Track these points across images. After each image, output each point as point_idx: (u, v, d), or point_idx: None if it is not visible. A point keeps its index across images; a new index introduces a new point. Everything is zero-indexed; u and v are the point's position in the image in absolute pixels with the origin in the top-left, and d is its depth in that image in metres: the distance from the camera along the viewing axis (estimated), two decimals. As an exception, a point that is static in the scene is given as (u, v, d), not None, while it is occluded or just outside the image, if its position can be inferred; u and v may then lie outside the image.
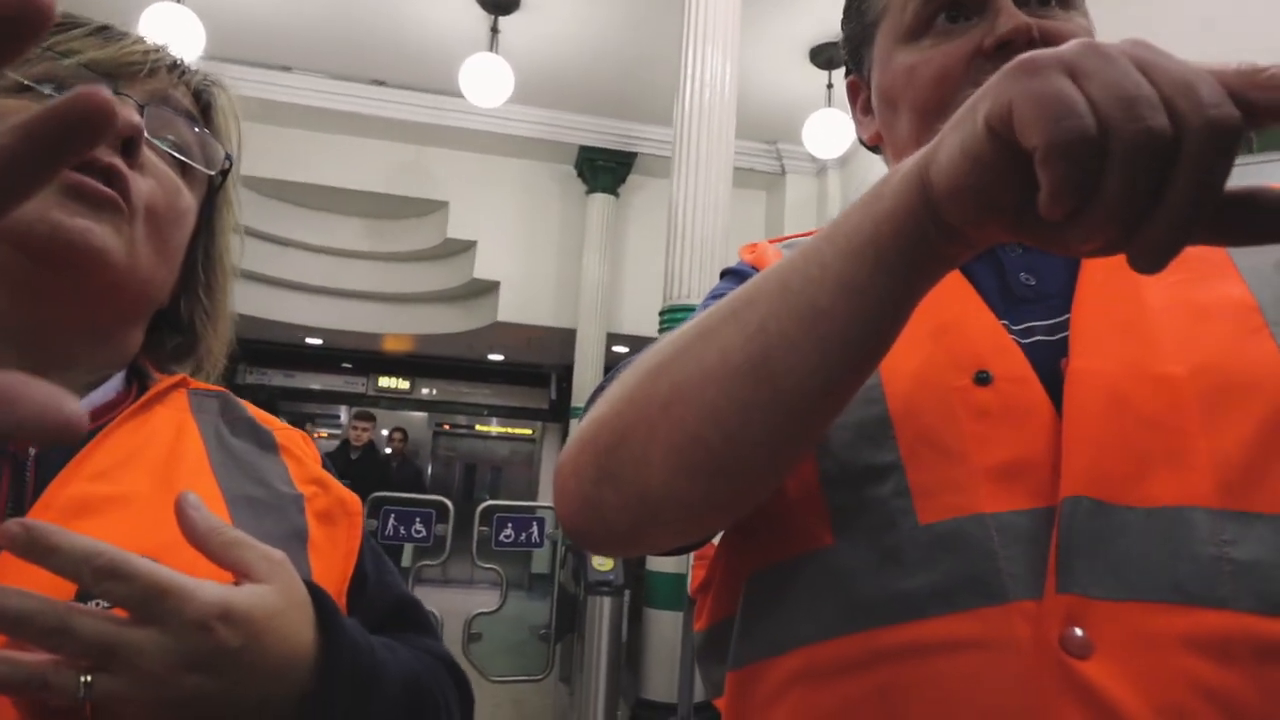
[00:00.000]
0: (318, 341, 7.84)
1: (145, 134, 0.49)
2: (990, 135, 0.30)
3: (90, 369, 0.50)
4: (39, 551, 0.34)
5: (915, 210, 0.34)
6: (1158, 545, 0.40)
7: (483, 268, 5.51)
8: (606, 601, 3.17)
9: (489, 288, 5.72)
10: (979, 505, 0.44)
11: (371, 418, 5.87)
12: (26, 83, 0.46)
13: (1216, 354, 0.45)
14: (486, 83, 4.19)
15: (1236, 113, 0.27)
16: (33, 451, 0.44)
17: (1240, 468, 0.42)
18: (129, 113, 0.47)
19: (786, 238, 0.67)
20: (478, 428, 9.55)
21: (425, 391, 9.10)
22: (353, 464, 5.38)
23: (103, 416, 0.49)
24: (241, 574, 0.39)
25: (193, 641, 0.35)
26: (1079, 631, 0.39)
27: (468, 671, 0.58)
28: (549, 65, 4.64)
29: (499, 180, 5.52)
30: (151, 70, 0.51)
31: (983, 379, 0.47)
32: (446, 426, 9.48)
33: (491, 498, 6.88)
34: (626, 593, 3.31)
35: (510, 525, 3.76)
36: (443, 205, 5.51)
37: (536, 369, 8.71)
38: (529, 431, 9.47)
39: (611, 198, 5.51)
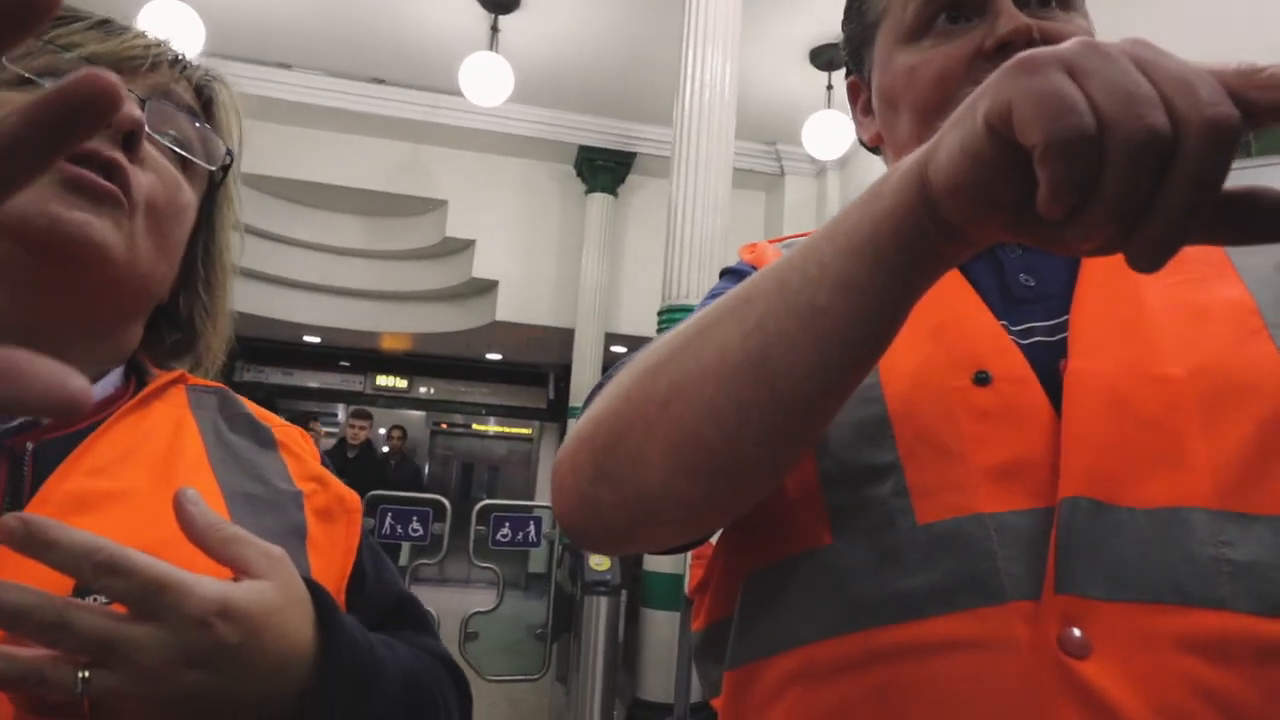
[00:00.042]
0: (316, 339, 7.83)
1: (146, 128, 0.49)
2: (990, 133, 0.30)
3: (89, 364, 0.50)
4: (37, 546, 0.33)
5: (914, 208, 0.34)
6: (1156, 546, 0.41)
7: (481, 267, 5.50)
8: (603, 601, 3.17)
9: (487, 287, 5.72)
10: (978, 505, 0.44)
11: (369, 416, 5.87)
12: (28, 76, 0.46)
13: (1216, 355, 0.45)
14: (486, 82, 4.19)
15: (1235, 112, 0.27)
16: (30, 446, 0.44)
17: (1239, 469, 0.42)
18: (130, 107, 0.47)
19: (786, 238, 0.67)
20: (475, 427, 9.55)
21: (423, 390, 9.10)
22: (350, 462, 5.38)
23: (101, 412, 0.48)
24: (240, 570, 0.39)
25: (191, 637, 0.35)
26: (1077, 632, 0.39)
27: (464, 670, 0.58)
28: (549, 65, 4.64)
29: (498, 179, 5.52)
30: (153, 65, 0.51)
31: (982, 379, 0.47)
32: (444, 425, 9.47)
33: (489, 497, 6.88)
34: (623, 592, 3.31)
35: (507, 524, 3.75)
36: (442, 204, 5.51)
37: (534, 369, 8.71)
38: (527, 431, 9.47)
39: (611, 197, 5.51)
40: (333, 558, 0.53)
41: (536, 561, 7.20)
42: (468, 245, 5.56)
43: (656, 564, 3.57)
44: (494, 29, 4.24)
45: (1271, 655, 0.38)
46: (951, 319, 0.50)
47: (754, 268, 0.60)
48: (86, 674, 0.34)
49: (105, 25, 0.51)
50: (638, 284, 5.44)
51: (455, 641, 3.47)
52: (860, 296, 0.36)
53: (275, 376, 8.47)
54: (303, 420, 6.04)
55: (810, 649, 0.46)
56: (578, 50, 4.51)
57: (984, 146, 0.30)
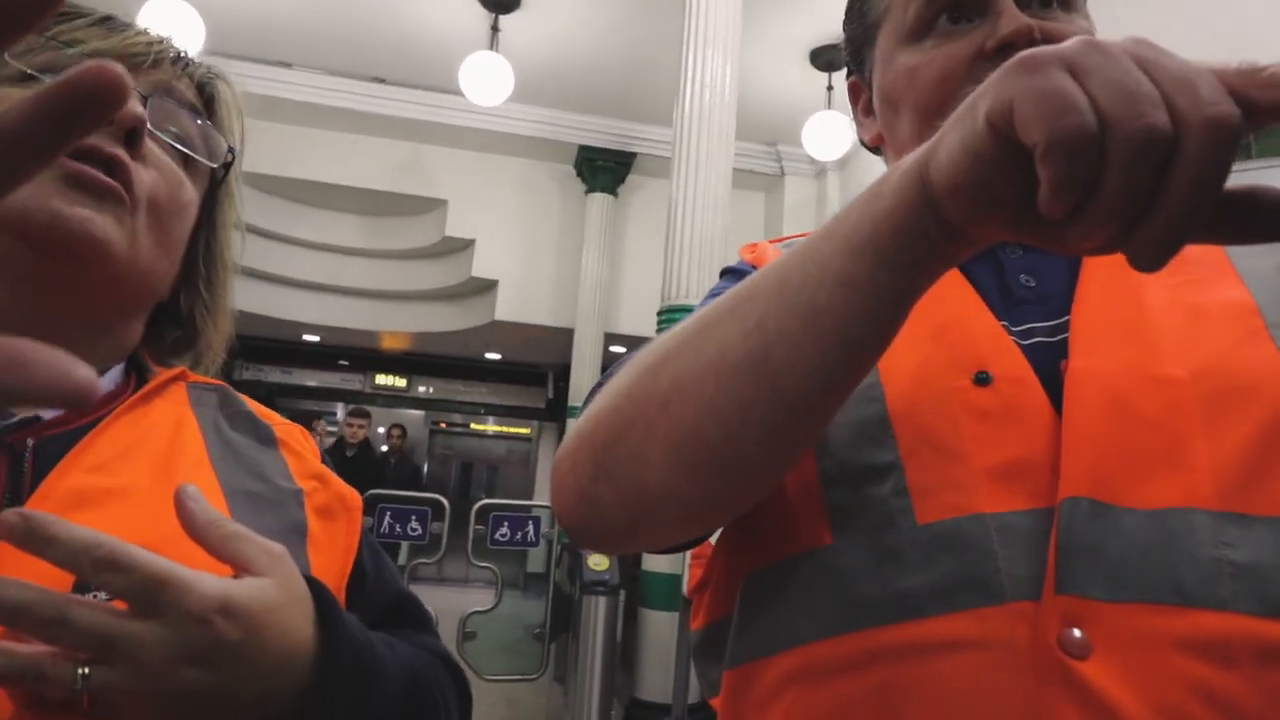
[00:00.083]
0: (315, 338, 7.83)
1: (148, 125, 0.49)
2: (991, 132, 0.30)
3: (89, 361, 0.50)
4: (37, 542, 0.33)
5: (915, 207, 0.34)
6: (1157, 547, 0.41)
7: (481, 266, 5.50)
8: (602, 601, 3.17)
9: (487, 286, 5.72)
10: (978, 505, 0.44)
11: (367, 415, 5.87)
12: (30, 72, 0.46)
13: (1217, 356, 0.45)
14: (486, 81, 4.18)
15: (1236, 111, 0.27)
16: (31, 442, 0.44)
17: (1240, 470, 0.42)
18: (133, 104, 0.47)
19: (786, 238, 0.67)
20: (474, 426, 9.55)
21: (422, 389, 9.09)
22: (348, 461, 5.37)
23: (101, 409, 0.48)
24: (241, 567, 0.39)
25: (192, 634, 0.35)
26: (1077, 632, 0.39)
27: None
28: (549, 64, 4.64)
29: (498, 179, 5.51)
30: (155, 61, 0.51)
31: (982, 379, 0.47)
32: (443, 425, 9.47)
33: (488, 496, 6.87)
34: (622, 592, 3.31)
35: (506, 524, 3.75)
36: (441, 203, 5.50)
37: (534, 368, 8.71)
38: (526, 431, 9.47)
39: (610, 197, 5.51)
40: (333, 556, 0.53)
41: (535, 561, 7.20)
42: (467, 245, 5.56)
43: (655, 564, 3.57)
44: (494, 29, 4.24)
45: (1272, 656, 0.38)
46: (952, 319, 0.51)
47: (754, 267, 0.60)
48: (86, 670, 0.34)
49: (108, 22, 0.51)
50: (637, 284, 5.44)
51: (453, 641, 3.46)
52: (861, 295, 0.36)
53: (274, 375, 8.47)
54: (307, 419, 6.04)
55: (810, 648, 0.46)
56: (578, 50, 4.51)
57: (985, 145, 0.30)
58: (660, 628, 3.55)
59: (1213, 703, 0.37)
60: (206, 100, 0.56)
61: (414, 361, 8.73)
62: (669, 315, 3.22)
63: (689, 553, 0.61)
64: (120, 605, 0.35)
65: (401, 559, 4.57)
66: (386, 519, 3.59)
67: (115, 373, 0.52)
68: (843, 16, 0.67)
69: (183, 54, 0.54)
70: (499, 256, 5.49)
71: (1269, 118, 0.28)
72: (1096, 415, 0.44)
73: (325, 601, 0.42)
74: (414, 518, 3.60)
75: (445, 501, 3.77)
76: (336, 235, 5.91)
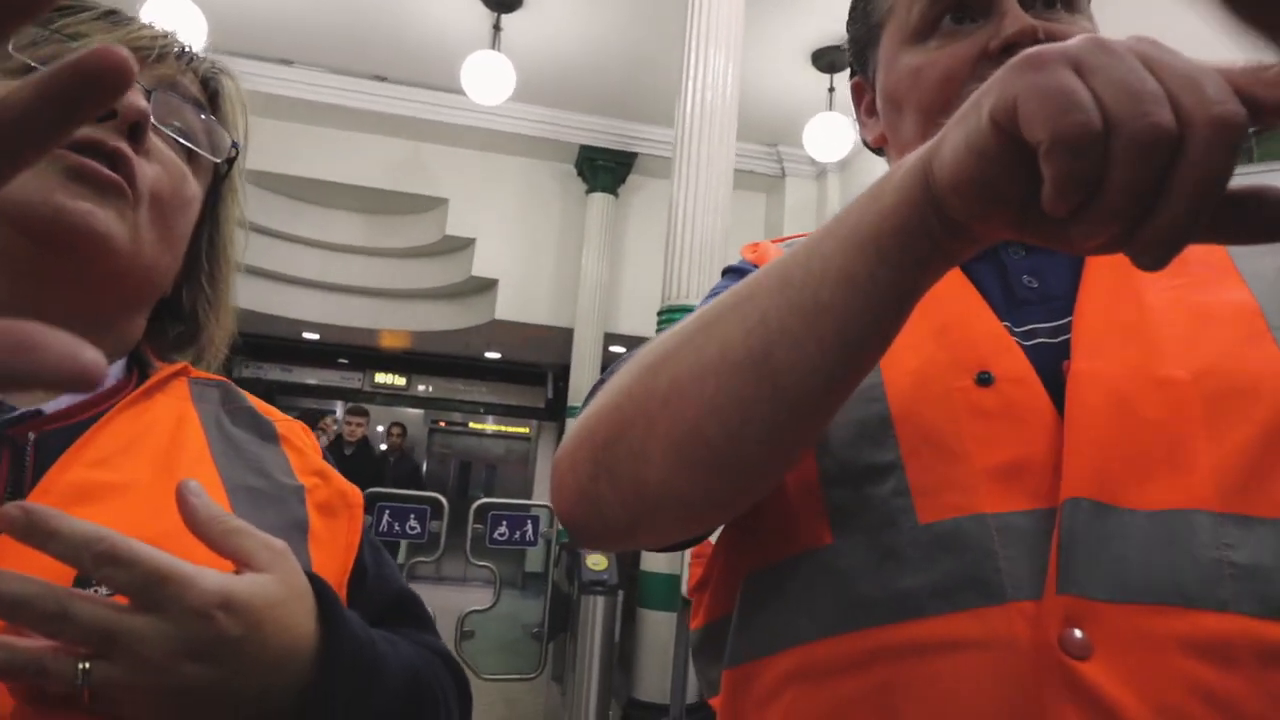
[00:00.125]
0: (315, 336, 7.83)
1: (152, 119, 0.48)
2: (995, 129, 0.30)
3: None
4: (39, 535, 0.33)
5: (918, 205, 0.34)
6: (1159, 548, 0.41)
7: (481, 265, 5.50)
8: (600, 601, 3.17)
9: (487, 285, 5.72)
10: (979, 505, 0.44)
11: (365, 413, 5.86)
12: (33, 65, 0.46)
13: (1219, 358, 0.45)
14: (488, 80, 4.18)
15: (1242, 110, 0.27)
16: (32, 436, 0.44)
17: (1242, 471, 0.42)
18: (136, 98, 0.47)
19: (787, 238, 0.67)
20: (473, 425, 9.54)
21: (421, 388, 9.09)
22: (347, 460, 5.37)
23: (103, 403, 0.48)
24: (242, 563, 0.39)
25: (193, 629, 0.35)
26: (1078, 633, 0.39)
27: (459, 669, 0.58)
28: (551, 64, 4.64)
29: (499, 178, 5.52)
30: (160, 56, 0.51)
31: (984, 380, 0.47)
32: (442, 424, 9.47)
33: (486, 496, 6.88)
34: (620, 592, 3.31)
35: (505, 523, 3.75)
36: (442, 202, 5.50)
37: (533, 368, 8.71)
38: (525, 430, 9.47)
39: (611, 197, 5.51)
40: (334, 552, 0.53)
41: (533, 561, 7.21)
42: (468, 244, 5.56)
43: (653, 564, 3.57)
44: (496, 28, 4.24)
45: (1273, 658, 0.38)
46: (954, 319, 0.51)
47: (756, 267, 0.60)
48: (87, 665, 0.34)
49: (112, 16, 0.51)
50: (637, 284, 5.44)
51: (451, 640, 3.46)
52: (862, 293, 0.36)
53: (274, 373, 8.47)
54: (314, 418, 6.03)
55: (809, 648, 0.46)
56: (580, 50, 4.51)
57: (989, 143, 0.30)
58: (659, 628, 3.55)
59: (1213, 703, 0.37)
60: (210, 95, 0.56)
61: (413, 360, 8.73)
62: (669, 315, 3.22)
63: (688, 552, 0.61)
64: (121, 600, 0.35)
65: (400, 558, 4.57)
66: (385, 517, 3.59)
67: (117, 368, 0.52)
68: (845, 17, 0.67)
69: (187, 49, 0.54)
70: (499, 256, 5.49)
71: (1274, 117, 0.28)
72: (1098, 416, 0.44)
73: (327, 598, 0.42)
74: (413, 516, 3.60)
75: (444, 500, 3.76)
76: (337, 233, 5.91)
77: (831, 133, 4.41)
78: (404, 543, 3.95)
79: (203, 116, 0.54)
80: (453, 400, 9.15)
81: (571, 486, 0.47)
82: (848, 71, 0.69)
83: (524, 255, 5.53)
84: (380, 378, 8.94)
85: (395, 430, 7.19)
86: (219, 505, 0.40)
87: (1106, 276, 0.51)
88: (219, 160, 0.56)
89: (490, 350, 8.03)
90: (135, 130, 0.47)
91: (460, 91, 4.35)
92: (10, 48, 0.45)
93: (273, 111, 4.95)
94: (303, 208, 5.79)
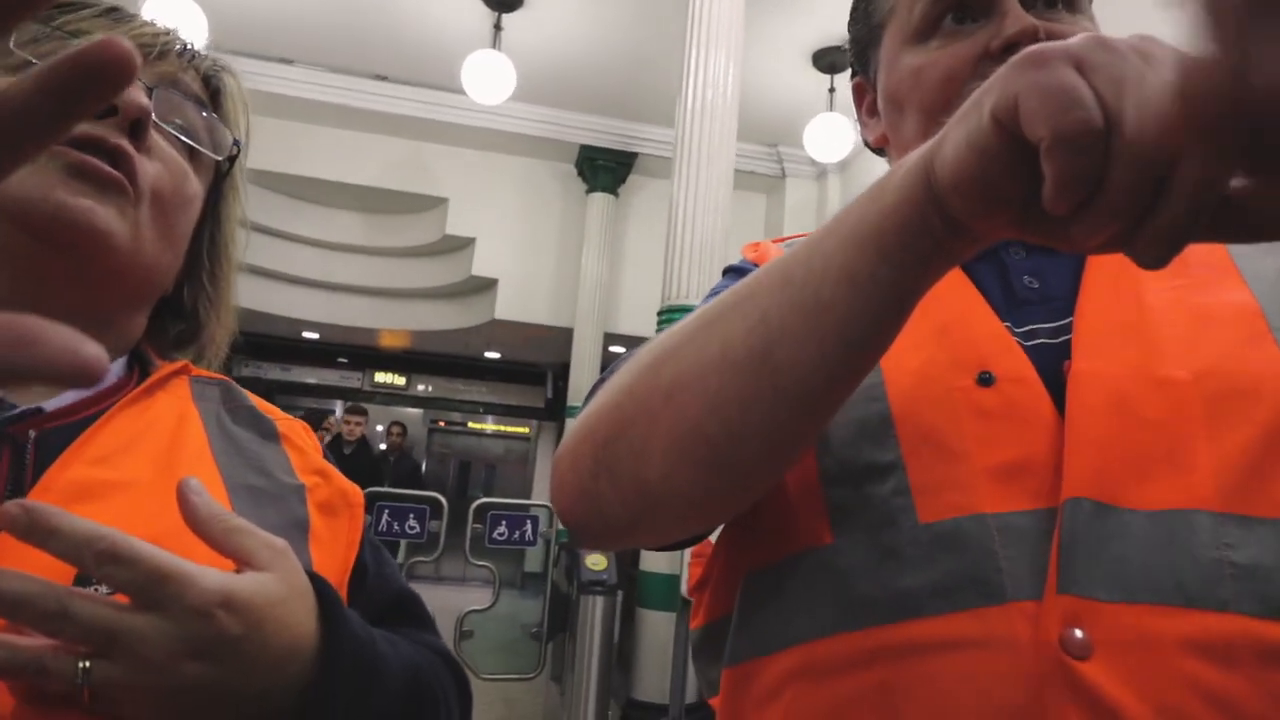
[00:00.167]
0: (314, 335, 7.82)
1: (153, 117, 0.48)
2: (996, 127, 0.30)
3: None
4: (39, 533, 0.33)
5: (920, 203, 0.34)
6: (1159, 548, 0.41)
7: (481, 265, 5.50)
8: (599, 601, 3.17)
9: (487, 285, 5.72)
10: (980, 505, 0.44)
11: (364, 412, 5.85)
12: (34, 61, 0.46)
13: (1220, 358, 0.45)
14: (488, 79, 4.18)
15: None
16: (33, 434, 0.44)
17: (1242, 471, 0.42)
18: (138, 95, 0.47)
19: (788, 237, 0.67)
20: (473, 425, 9.55)
21: (421, 388, 9.09)
22: (346, 459, 5.36)
23: (104, 401, 0.48)
24: (243, 561, 0.39)
25: (194, 628, 0.35)
26: (1079, 632, 0.39)
27: (458, 669, 0.58)
28: (551, 63, 4.64)
29: (499, 177, 5.52)
30: (161, 53, 0.51)
31: (985, 380, 0.47)
32: (442, 423, 9.47)
33: (486, 495, 6.89)
34: (619, 592, 3.31)
35: (504, 523, 3.75)
36: (442, 201, 5.50)
37: (533, 367, 8.71)
38: (524, 430, 9.47)
39: (611, 197, 5.51)
40: (334, 552, 0.53)
41: (533, 560, 7.21)
42: (468, 243, 5.56)
43: (653, 564, 3.57)
44: (497, 27, 4.24)
45: (1274, 658, 0.38)
46: (955, 319, 0.51)
47: (757, 266, 0.60)
48: (87, 664, 0.34)
49: (113, 13, 0.51)
50: (637, 284, 5.44)
51: (450, 640, 3.46)
52: (864, 292, 0.36)
53: (274, 372, 8.47)
54: (319, 417, 6.00)
55: (809, 647, 0.46)
56: (580, 50, 4.51)
57: (990, 141, 0.30)
58: (658, 628, 3.55)
59: (1214, 703, 0.37)
60: (212, 93, 0.56)
61: (413, 360, 8.73)
62: (669, 316, 3.22)
63: (688, 552, 0.61)
64: (122, 599, 0.35)
65: (399, 557, 4.57)
66: (385, 517, 3.58)
67: (118, 366, 0.52)
68: (846, 18, 0.67)
69: (189, 46, 0.54)
70: (499, 255, 5.49)
71: None
72: (1099, 416, 0.44)
73: (327, 597, 0.42)
74: (412, 516, 3.60)
75: (443, 500, 3.76)
76: (337, 232, 5.91)
77: (832, 133, 4.41)
78: (403, 542, 3.94)
79: (204, 114, 0.54)
80: (452, 400, 9.15)
81: (572, 484, 0.47)
82: (848, 72, 0.69)
83: (524, 255, 5.53)
84: (380, 377, 8.94)
85: (395, 430, 7.18)
86: (220, 504, 0.40)
87: (1107, 277, 0.51)
88: (220, 158, 0.56)
89: (490, 350, 8.03)
90: (136, 127, 0.47)
91: (461, 91, 4.35)
92: (11, 44, 0.45)
93: (273, 110, 4.95)
94: (303, 207, 5.79)
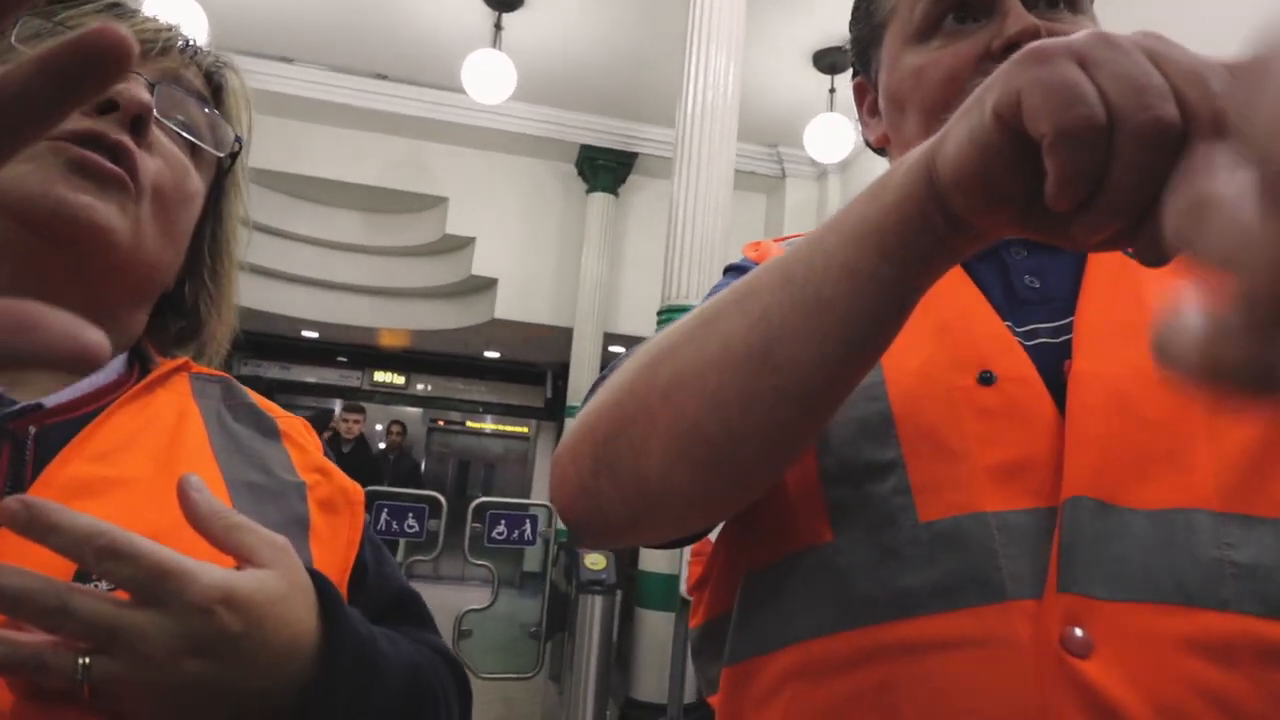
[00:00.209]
0: (314, 334, 7.82)
1: (155, 113, 0.48)
2: (998, 123, 0.30)
3: None
4: (39, 529, 0.33)
5: (921, 200, 0.34)
6: (1160, 547, 0.41)
7: (481, 264, 5.50)
8: (598, 600, 3.17)
9: (487, 284, 5.71)
10: (980, 504, 0.44)
11: (362, 410, 5.83)
12: None
13: None
14: (489, 79, 4.18)
15: None
16: (33, 430, 0.44)
17: (1243, 471, 0.42)
18: (139, 90, 0.46)
19: (789, 237, 0.67)
20: (472, 424, 9.54)
21: (420, 387, 9.09)
22: (344, 457, 5.35)
23: (104, 398, 0.48)
24: (244, 558, 0.39)
25: (194, 625, 0.35)
26: (1079, 631, 0.39)
27: (457, 668, 0.58)
28: (552, 63, 4.64)
29: (499, 177, 5.51)
30: (163, 49, 0.51)
31: (986, 379, 0.47)
32: (441, 422, 9.47)
33: (485, 495, 6.90)
34: (618, 592, 3.31)
35: (503, 522, 3.75)
36: (442, 201, 5.50)
37: (532, 367, 8.71)
38: (524, 429, 9.47)
39: (611, 197, 5.51)
40: (335, 549, 0.52)
41: (531, 560, 7.21)
42: (468, 242, 5.56)
43: (652, 564, 3.57)
44: (497, 26, 4.24)
45: (1274, 657, 0.38)
46: (956, 318, 0.51)
47: (757, 265, 0.60)
48: (87, 660, 0.33)
49: (115, 8, 0.51)
50: (637, 284, 5.44)
51: (449, 639, 3.45)
52: (865, 290, 0.36)
53: (273, 371, 8.47)
54: (324, 417, 5.97)
55: (809, 645, 0.46)
56: (581, 49, 4.51)
57: (992, 137, 0.30)
58: (656, 628, 3.55)
59: (1214, 702, 0.37)
60: (214, 89, 0.56)
61: (412, 359, 8.73)
62: (668, 316, 3.22)
63: (687, 551, 0.61)
64: (122, 595, 0.35)
65: (398, 556, 4.57)
66: (384, 516, 3.58)
67: (118, 362, 0.52)
68: (847, 19, 0.67)
69: (191, 42, 0.54)
70: (499, 255, 5.49)
71: None
72: (1099, 416, 0.44)
73: (328, 594, 0.42)
74: (411, 515, 3.60)
75: (442, 499, 3.76)
76: (337, 231, 5.91)
77: (832, 134, 4.41)
78: (402, 541, 3.94)
79: (206, 110, 0.54)
80: (452, 399, 9.15)
81: (572, 482, 0.47)
82: (849, 72, 0.69)
83: (524, 255, 5.52)
84: (379, 376, 8.94)
85: (395, 429, 7.18)
86: (220, 500, 0.40)
87: (1108, 277, 0.51)
88: (222, 155, 0.56)
89: (489, 349, 8.03)
90: (138, 123, 0.47)
91: (461, 90, 4.35)
92: (13, 39, 0.45)
93: (273, 109, 4.95)
94: (303, 205, 5.79)
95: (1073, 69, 0.28)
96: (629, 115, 5.17)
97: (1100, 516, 0.41)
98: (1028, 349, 0.48)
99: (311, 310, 6.40)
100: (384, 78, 5.01)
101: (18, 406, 0.44)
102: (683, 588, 3.40)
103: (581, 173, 5.55)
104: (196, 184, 0.53)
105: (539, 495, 7.86)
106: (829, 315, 0.37)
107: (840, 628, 0.45)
